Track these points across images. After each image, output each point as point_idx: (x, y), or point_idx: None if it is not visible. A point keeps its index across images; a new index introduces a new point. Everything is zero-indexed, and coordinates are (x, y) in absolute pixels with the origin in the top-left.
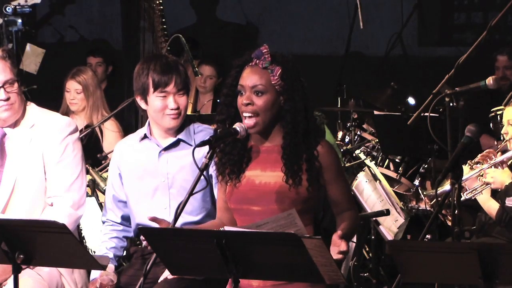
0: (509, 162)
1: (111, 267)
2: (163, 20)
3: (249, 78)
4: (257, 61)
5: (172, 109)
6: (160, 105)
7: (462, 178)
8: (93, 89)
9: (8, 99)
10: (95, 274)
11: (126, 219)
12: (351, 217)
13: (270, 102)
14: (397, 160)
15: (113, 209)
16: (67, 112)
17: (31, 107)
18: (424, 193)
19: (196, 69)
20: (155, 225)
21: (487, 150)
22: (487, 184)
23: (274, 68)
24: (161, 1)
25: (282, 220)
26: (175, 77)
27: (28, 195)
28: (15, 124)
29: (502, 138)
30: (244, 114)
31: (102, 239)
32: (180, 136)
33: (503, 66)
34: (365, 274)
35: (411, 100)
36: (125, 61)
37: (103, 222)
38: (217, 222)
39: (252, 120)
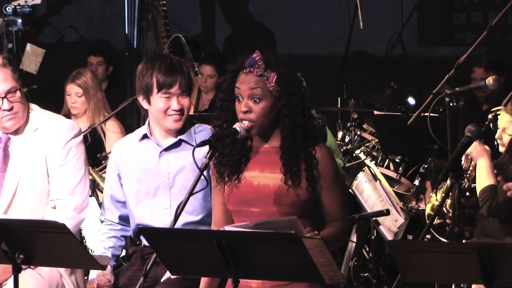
0: None
1: (108, 267)
2: (166, 21)
3: (246, 85)
4: (251, 69)
5: (175, 110)
6: (163, 106)
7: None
8: (93, 92)
9: (11, 108)
10: (93, 274)
11: (124, 219)
12: (338, 226)
13: (268, 108)
14: (397, 160)
15: (110, 209)
16: (68, 115)
17: (34, 111)
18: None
19: (197, 69)
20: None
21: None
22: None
23: (269, 75)
24: (164, 1)
25: (282, 223)
26: (180, 79)
27: (30, 198)
28: (18, 131)
29: (495, 143)
30: (244, 122)
31: (100, 239)
32: (181, 137)
33: (479, 78)
34: (365, 274)
35: (411, 100)
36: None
37: (101, 222)
38: None
39: (250, 124)
